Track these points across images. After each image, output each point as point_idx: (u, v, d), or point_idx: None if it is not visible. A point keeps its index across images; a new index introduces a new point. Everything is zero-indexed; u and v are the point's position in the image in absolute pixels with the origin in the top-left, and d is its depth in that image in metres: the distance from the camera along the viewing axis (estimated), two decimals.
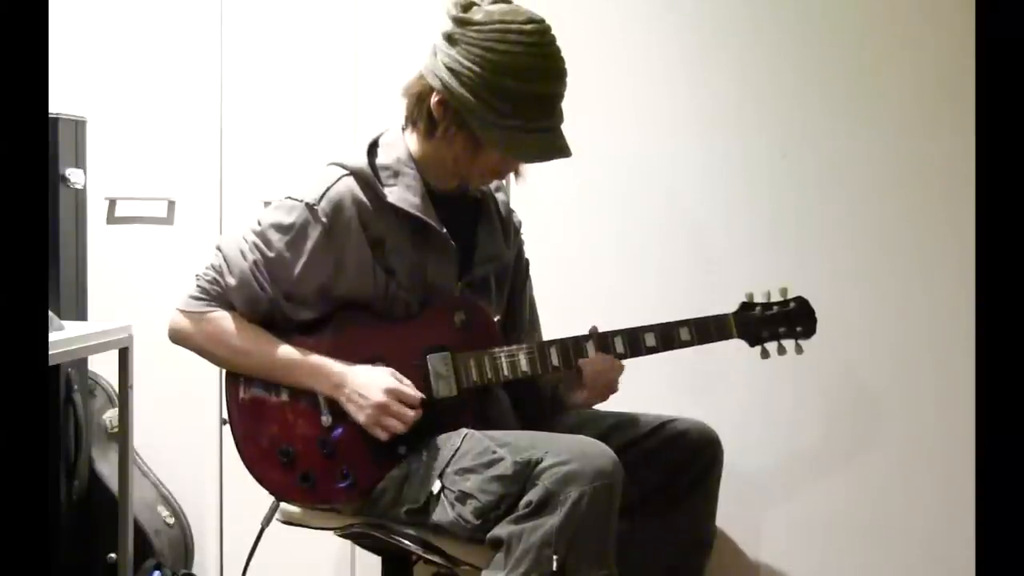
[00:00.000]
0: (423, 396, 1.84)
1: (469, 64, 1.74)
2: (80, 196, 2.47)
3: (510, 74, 1.73)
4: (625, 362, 1.94)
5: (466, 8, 1.77)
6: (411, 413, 1.82)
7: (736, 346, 1.99)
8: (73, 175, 2.42)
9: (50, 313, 2.06)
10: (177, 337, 1.92)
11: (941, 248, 2.33)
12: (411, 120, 1.86)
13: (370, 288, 1.86)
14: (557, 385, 2.00)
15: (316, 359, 1.85)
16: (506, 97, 1.74)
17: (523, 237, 2.11)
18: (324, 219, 1.81)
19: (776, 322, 1.98)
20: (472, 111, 1.76)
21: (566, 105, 1.82)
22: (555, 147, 1.80)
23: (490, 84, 1.73)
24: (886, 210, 2.36)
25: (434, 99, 1.79)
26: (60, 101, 2.47)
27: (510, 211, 2.08)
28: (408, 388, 1.83)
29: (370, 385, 1.82)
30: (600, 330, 1.94)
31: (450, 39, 1.77)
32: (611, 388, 1.95)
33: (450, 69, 1.76)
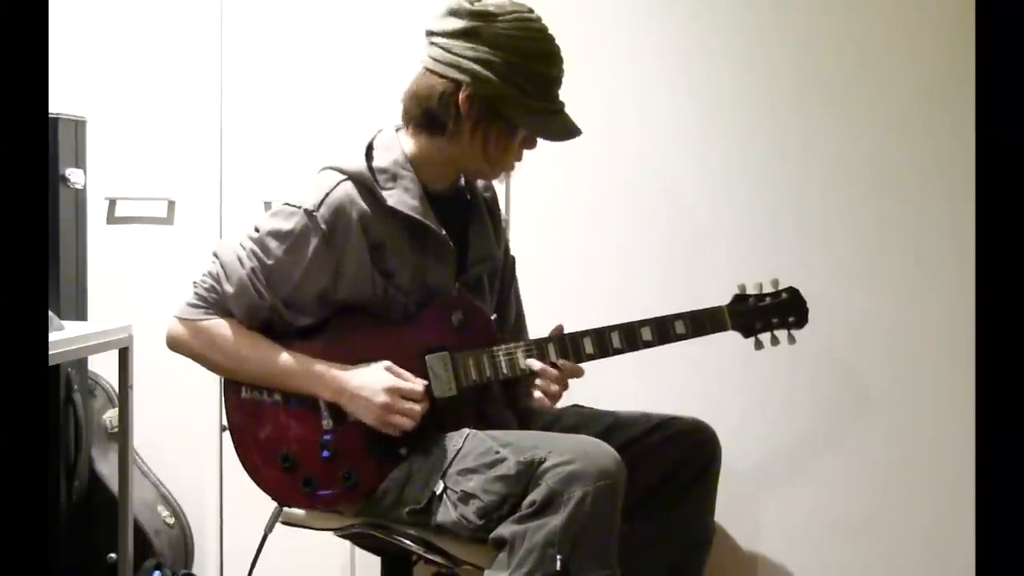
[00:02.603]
0: (425, 383, 1.84)
1: (502, 53, 1.78)
2: (80, 196, 2.47)
3: (535, 58, 1.80)
4: (624, 360, 1.94)
5: (475, 3, 1.81)
6: (417, 408, 1.82)
7: (734, 344, 1.98)
8: (73, 175, 2.42)
9: (50, 313, 2.06)
10: (175, 345, 1.91)
11: (941, 247, 2.33)
12: (431, 123, 1.84)
13: (369, 292, 1.85)
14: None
15: (315, 365, 1.84)
16: (534, 80, 1.80)
17: (508, 234, 2.10)
18: (324, 226, 1.80)
19: (769, 313, 1.98)
20: (507, 98, 1.79)
21: (567, 105, 1.85)
22: (571, 127, 1.86)
23: (522, 69, 1.79)
24: (886, 210, 2.36)
25: (462, 94, 1.80)
26: (60, 101, 2.47)
27: (497, 208, 2.08)
28: (408, 382, 1.83)
29: (371, 386, 1.81)
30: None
31: (468, 34, 1.79)
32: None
33: (478, 61, 1.78)
